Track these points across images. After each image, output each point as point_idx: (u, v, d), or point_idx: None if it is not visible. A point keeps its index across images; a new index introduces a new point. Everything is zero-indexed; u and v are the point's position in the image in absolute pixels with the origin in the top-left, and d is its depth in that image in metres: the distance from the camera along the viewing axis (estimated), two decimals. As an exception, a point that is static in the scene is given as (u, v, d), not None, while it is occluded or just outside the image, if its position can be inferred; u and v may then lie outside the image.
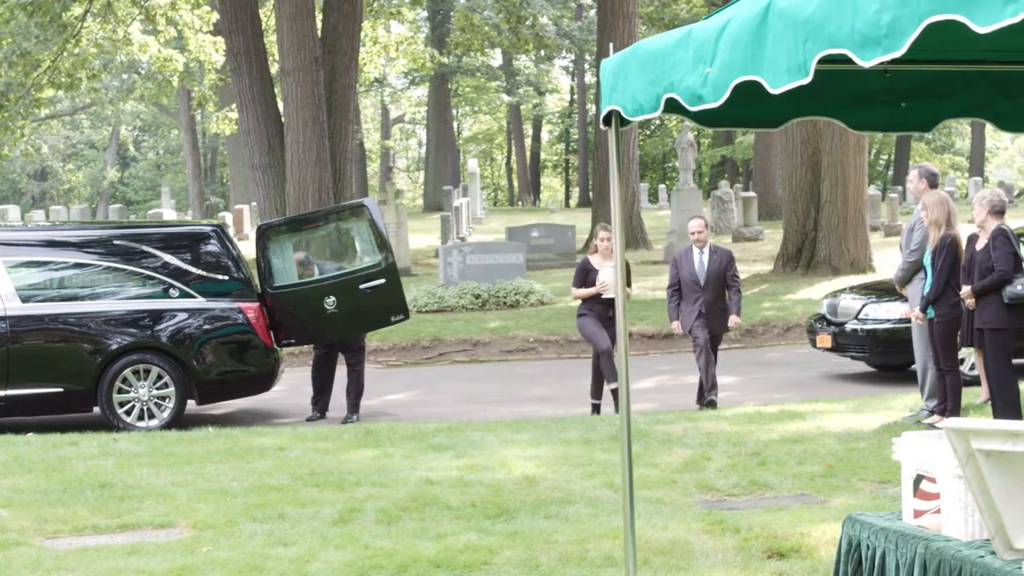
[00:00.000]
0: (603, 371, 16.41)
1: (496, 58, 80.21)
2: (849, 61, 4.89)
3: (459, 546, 9.26)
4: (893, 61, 5.19)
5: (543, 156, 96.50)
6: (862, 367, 20.00)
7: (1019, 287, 13.25)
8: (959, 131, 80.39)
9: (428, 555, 9.04)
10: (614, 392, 16.11)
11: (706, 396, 16.47)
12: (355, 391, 17.26)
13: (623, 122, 7.20)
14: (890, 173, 77.60)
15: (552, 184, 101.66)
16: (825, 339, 19.05)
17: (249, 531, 10.05)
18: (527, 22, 49.76)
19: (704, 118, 7.44)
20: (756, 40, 5.47)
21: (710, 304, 16.49)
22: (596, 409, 16.52)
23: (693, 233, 16.79)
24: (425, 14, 72.55)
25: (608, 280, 16.37)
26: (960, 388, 14.08)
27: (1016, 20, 4.14)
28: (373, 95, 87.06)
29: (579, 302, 16.95)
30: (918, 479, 6.06)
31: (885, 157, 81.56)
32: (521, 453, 13.04)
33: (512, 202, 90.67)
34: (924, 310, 13.99)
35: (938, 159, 77.84)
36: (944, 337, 13.91)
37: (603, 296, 16.46)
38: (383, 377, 21.72)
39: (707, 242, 16.83)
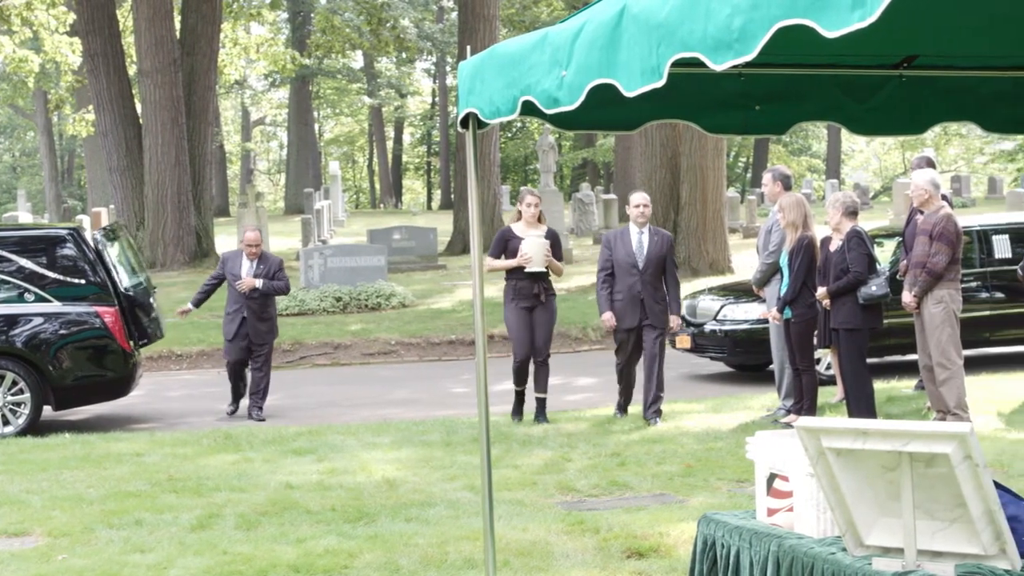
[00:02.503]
0: (513, 373, 15.27)
1: (357, 60, 80.00)
2: (703, 64, 4.94)
3: (319, 550, 9.22)
4: (747, 65, 5.25)
5: (405, 158, 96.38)
6: (721, 367, 20.20)
7: (874, 288, 13.47)
8: (816, 134, 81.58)
9: (288, 560, 8.99)
10: (516, 394, 15.35)
11: (649, 409, 14.79)
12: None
13: (480, 124, 7.21)
14: (748, 176, 78.53)
15: (414, 186, 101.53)
16: (684, 340, 19.20)
17: (106, 538, 9.93)
18: (388, 24, 49.63)
19: (561, 121, 7.46)
20: (611, 43, 5.51)
21: (647, 291, 14.78)
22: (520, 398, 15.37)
23: (637, 206, 14.99)
24: (285, 16, 72.14)
25: (532, 251, 14.78)
26: (816, 387, 14.28)
27: (863, 25, 4.21)
28: (233, 97, 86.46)
29: (503, 281, 15.23)
30: (771, 478, 6.13)
31: (744, 160, 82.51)
32: (382, 456, 13.02)
33: (374, 204, 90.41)
34: (781, 311, 14.16)
35: (795, 161, 78.97)
36: (801, 337, 14.09)
37: (526, 269, 14.82)
38: (243, 381, 21.56)
39: (648, 220, 15.13)
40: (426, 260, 36.57)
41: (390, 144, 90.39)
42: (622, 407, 15.32)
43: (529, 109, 6.55)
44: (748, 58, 4.72)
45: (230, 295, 17.22)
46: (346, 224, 54.60)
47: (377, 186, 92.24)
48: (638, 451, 12.86)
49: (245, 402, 17.42)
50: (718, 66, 4.86)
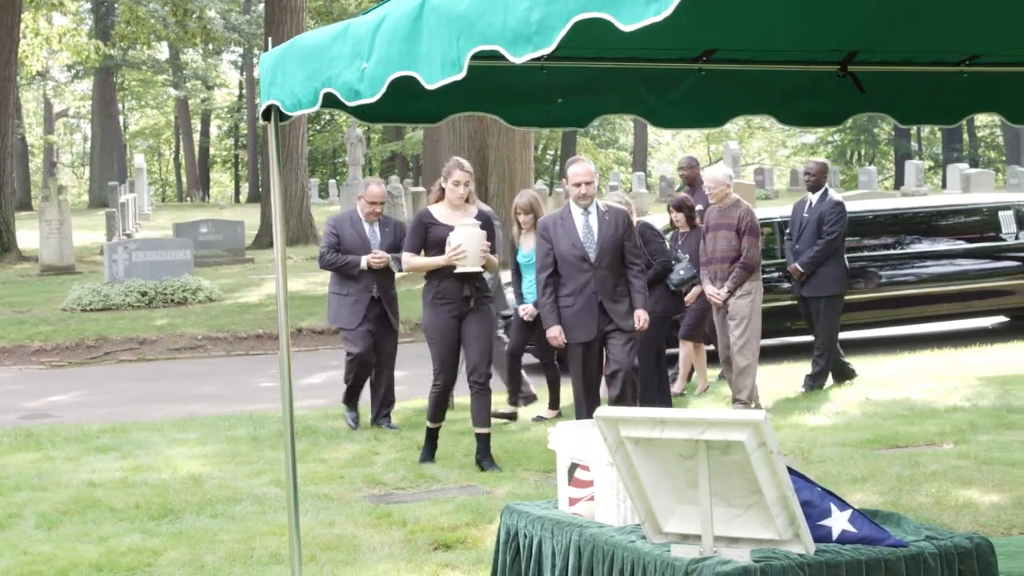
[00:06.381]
0: (429, 403, 11.95)
1: (163, 51, 79.04)
2: (504, 57, 4.97)
3: (122, 548, 9.09)
4: (548, 58, 5.31)
5: (212, 151, 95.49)
6: (529, 359, 20.28)
7: (682, 272, 13.81)
8: (623, 127, 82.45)
9: (90, 559, 8.85)
10: (429, 432, 12.06)
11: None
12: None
13: (283, 117, 7.16)
14: (556, 168, 79.08)
15: (222, 180, 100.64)
16: (492, 332, 19.30)
17: (-100, 541, 9.68)
18: (194, 15, 49.11)
19: (363, 113, 7.48)
20: (411, 35, 5.52)
21: (606, 288, 11.35)
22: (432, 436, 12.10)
23: (579, 184, 11.30)
24: (89, 5, 71.07)
25: (466, 244, 11.11)
26: (559, 381, 14.53)
27: (659, 19, 4.27)
28: (35, 89, 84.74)
29: (423, 280, 11.81)
30: (572, 467, 6.18)
31: (552, 152, 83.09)
32: (188, 452, 12.87)
33: (181, 198, 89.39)
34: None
35: (603, 154, 79.75)
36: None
37: (457, 269, 11.25)
38: (45, 378, 21.16)
39: (594, 199, 11.52)
40: (233, 254, 36.31)
41: (197, 137, 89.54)
42: None
43: (331, 101, 6.54)
44: (547, 51, 4.76)
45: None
46: (152, 218, 53.92)
47: (184, 179, 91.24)
48: (446, 443, 12.85)
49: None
50: (517, 59, 4.90)
